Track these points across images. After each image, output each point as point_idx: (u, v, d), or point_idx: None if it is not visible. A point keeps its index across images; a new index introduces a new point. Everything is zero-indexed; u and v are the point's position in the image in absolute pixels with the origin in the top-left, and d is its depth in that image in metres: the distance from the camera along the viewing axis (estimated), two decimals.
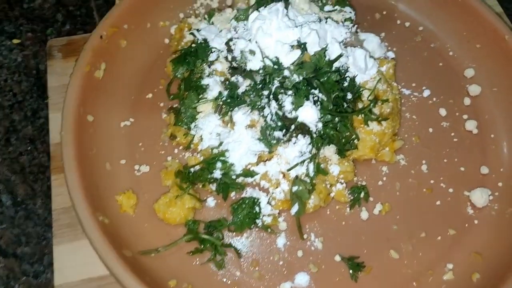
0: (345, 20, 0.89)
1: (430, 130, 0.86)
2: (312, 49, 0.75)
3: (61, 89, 0.87)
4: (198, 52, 0.81)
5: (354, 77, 0.79)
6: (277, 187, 0.75)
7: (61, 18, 1.05)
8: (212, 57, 0.81)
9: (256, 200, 0.75)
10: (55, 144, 0.83)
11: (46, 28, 1.03)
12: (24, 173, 0.87)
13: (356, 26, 0.91)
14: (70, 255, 0.75)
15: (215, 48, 0.81)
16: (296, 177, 0.73)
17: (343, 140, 0.77)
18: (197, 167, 0.76)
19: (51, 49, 0.94)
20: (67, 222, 0.78)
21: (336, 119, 0.74)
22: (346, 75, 0.78)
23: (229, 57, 0.77)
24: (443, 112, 0.88)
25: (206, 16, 0.89)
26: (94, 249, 0.69)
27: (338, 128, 0.76)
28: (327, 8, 0.89)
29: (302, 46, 0.74)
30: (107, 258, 0.67)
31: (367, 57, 0.81)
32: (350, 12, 0.90)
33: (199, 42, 0.82)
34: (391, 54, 0.94)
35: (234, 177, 0.74)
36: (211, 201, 0.78)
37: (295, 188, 0.73)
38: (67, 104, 0.78)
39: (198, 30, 0.84)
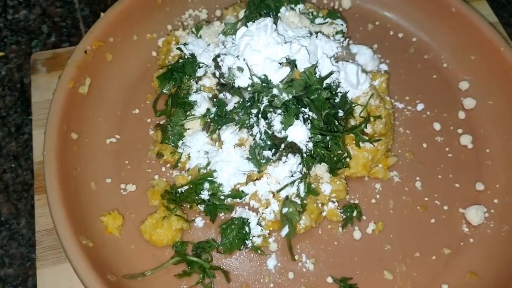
0: (337, 32, 0.87)
1: (424, 145, 0.84)
2: (302, 65, 0.73)
3: (45, 105, 0.85)
4: (185, 68, 0.79)
5: (346, 93, 0.77)
6: (267, 207, 0.73)
7: (46, 30, 1.03)
8: (199, 72, 0.79)
9: (245, 220, 0.73)
10: (38, 162, 0.81)
11: (31, 40, 1.01)
12: (8, 192, 0.85)
13: (347, 39, 0.89)
14: (54, 279, 0.72)
15: (203, 63, 0.79)
16: (286, 197, 0.71)
17: (335, 159, 0.75)
18: (185, 188, 0.73)
19: (35, 63, 0.91)
20: (51, 244, 0.75)
21: (327, 138, 0.72)
22: (338, 91, 0.76)
23: (217, 73, 0.75)
24: (437, 126, 0.86)
25: (193, 30, 0.87)
26: (76, 274, 0.66)
27: (329, 147, 0.74)
28: (318, 20, 0.87)
29: (291, 63, 0.72)
30: (89, 284, 0.65)
31: (359, 72, 0.79)
32: (342, 25, 0.89)
33: (186, 57, 0.80)
34: (384, 67, 0.92)
35: (222, 197, 0.72)
36: (199, 221, 0.76)
37: (285, 210, 0.71)
38: (50, 122, 0.76)
39: (185, 44, 0.82)
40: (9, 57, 0.99)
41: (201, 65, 0.79)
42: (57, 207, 0.69)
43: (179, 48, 0.82)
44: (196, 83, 0.78)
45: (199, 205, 0.74)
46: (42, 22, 1.04)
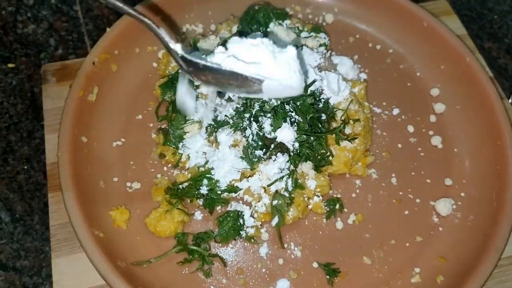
0: (320, 45, 0.97)
1: (399, 145, 0.94)
2: None
3: (56, 112, 0.93)
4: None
5: (328, 99, 0.86)
6: (259, 201, 0.82)
7: (53, 43, 1.11)
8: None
9: (240, 213, 0.82)
10: (51, 163, 0.89)
11: (39, 53, 1.09)
12: (21, 191, 0.92)
13: (330, 51, 0.99)
14: (68, 268, 0.80)
15: None
16: (276, 191, 0.80)
17: (319, 157, 0.84)
18: (185, 184, 0.82)
19: (45, 73, 0.99)
20: (64, 236, 0.83)
21: (312, 138, 0.81)
22: (321, 97, 0.86)
23: None
24: (411, 128, 0.96)
25: (191, 42, 0.96)
26: (90, 261, 0.74)
27: (313, 147, 0.83)
28: (303, 34, 0.96)
29: None
30: (102, 269, 0.73)
31: (340, 80, 0.89)
32: (325, 38, 0.98)
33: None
34: (363, 75, 1.01)
35: (219, 192, 0.81)
36: (198, 215, 0.85)
37: (275, 202, 0.79)
38: (63, 127, 0.84)
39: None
40: (19, 68, 1.07)
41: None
42: (72, 202, 0.78)
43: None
44: (195, 91, 0.87)
45: (198, 200, 0.83)
46: (50, 36, 1.12)
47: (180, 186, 0.82)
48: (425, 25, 1.02)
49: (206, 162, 0.82)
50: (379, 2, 1.05)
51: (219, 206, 0.83)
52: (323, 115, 0.84)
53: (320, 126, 0.82)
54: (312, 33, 0.96)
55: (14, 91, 1.04)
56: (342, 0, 1.08)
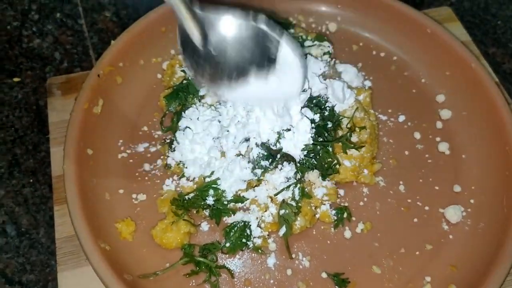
0: (324, 53, 0.97)
1: (406, 152, 0.93)
2: None
3: (61, 125, 0.93)
4: (189, 88, 0.88)
5: (333, 106, 0.85)
6: (266, 211, 0.81)
7: (59, 56, 1.11)
8: (202, 91, 0.88)
9: (246, 223, 0.81)
10: (56, 176, 0.89)
11: (44, 66, 1.10)
12: (27, 204, 0.92)
13: (334, 59, 0.98)
14: (74, 281, 0.79)
15: None
16: (283, 201, 0.79)
17: (326, 166, 0.84)
18: (191, 195, 0.81)
19: (50, 87, 1.00)
20: (70, 250, 0.82)
21: (318, 147, 0.80)
22: (326, 105, 0.85)
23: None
24: (417, 135, 0.95)
25: None
26: (97, 274, 0.74)
27: (320, 155, 0.82)
28: (307, 43, 0.96)
29: None
30: (109, 282, 0.72)
31: (344, 88, 0.88)
32: (328, 47, 0.98)
33: (190, 78, 0.89)
34: (368, 83, 1.01)
35: (225, 203, 0.80)
36: (205, 226, 0.84)
37: (282, 211, 0.79)
38: (68, 140, 0.84)
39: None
40: (25, 82, 1.07)
41: (203, 84, 0.88)
42: (78, 215, 0.77)
43: (183, 71, 0.91)
44: (199, 101, 0.87)
45: (204, 210, 0.82)
46: (55, 49, 1.12)
47: (186, 197, 0.81)
48: (428, 32, 1.01)
49: (212, 173, 0.81)
50: (382, 9, 1.05)
51: (226, 217, 0.82)
52: (328, 123, 0.83)
53: (326, 134, 0.82)
54: (316, 42, 0.96)
55: (19, 105, 1.04)
56: (345, 9, 1.08)
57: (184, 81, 0.90)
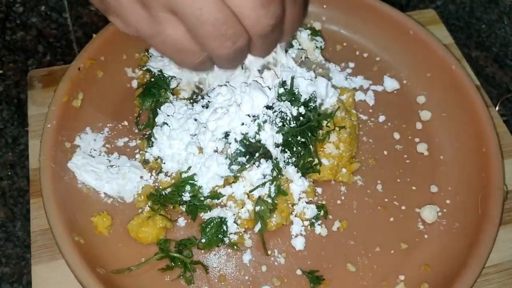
0: (316, 47, 0.97)
1: (385, 152, 0.93)
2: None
3: (41, 118, 0.93)
4: (159, 83, 0.88)
5: (320, 105, 0.85)
6: (242, 207, 0.81)
7: (42, 49, 1.11)
8: (173, 84, 0.88)
9: (223, 219, 0.81)
10: (34, 169, 0.88)
11: (27, 59, 1.09)
12: (4, 197, 0.92)
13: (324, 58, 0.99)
14: (48, 275, 0.79)
15: (173, 76, 0.87)
16: (259, 197, 0.79)
17: (306, 164, 0.84)
18: (168, 190, 0.81)
19: (31, 79, 0.99)
20: (45, 243, 0.82)
21: (299, 148, 0.81)
22: (311, 104, 0.85)
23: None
24: (397, 136, 0.95)
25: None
26: (69, 267, 0.73)
27: (301, 154, 0.82)
28: (303, 35, 0.96)
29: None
30: (81, 276, 0.72)
31: (328, 86, 0.88)
32: (321, 42, 0.99)
33: (156, 74, 0.89)
34: (352, 84, 1.01)
35: (202, 199, 0.80)
36: (181, 221, 0.84)
37: (257, 208, 0.79)
38: (46, 132, 0.84)
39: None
40: (6, 75, 1.07)
41: (171, 78, 0.88)
42: (52, 208, 0.77)
43: (147, 70, 0.91)
44: (173, 95, 0.87)
45: (181, 206, 0.82)
46: (38, 42, 1.12)
47: (163, 192, 0.81)
48: (411, 34, 1.02)
49: (189, 168, 0.81)
50: (366, 11, 1.06)
51: (202, 213, 0.82)
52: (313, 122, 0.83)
53: (309, 134, 0.82)
54: (309, 31, 0.97)
55: (0, 97, 1.03)
56: (330, 9, 1.08)
57: (152, 79, 0.90)
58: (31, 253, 0.81)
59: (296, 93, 0.83)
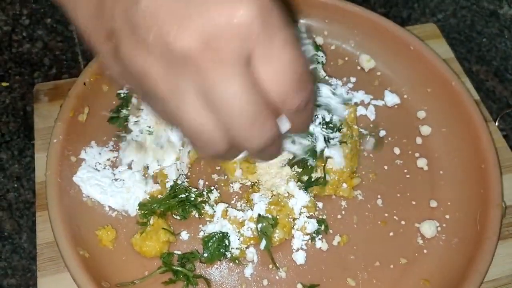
0: (318, 62, 0.99)
1: (385, 167, 0.95)
2: None
3: (47, 131, 0.94)
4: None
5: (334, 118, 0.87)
6: (242, 227, 0.83)
7: (48, 62, 1.13)
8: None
9: (225, 234, 0.82)
10: (40, 182, 0.90)
11: (33, 72, 1.11)
12: (11, 209, 0.93)
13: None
14: (53, 287, 0.80)
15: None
16: (259, 215, 0.81)
17: (311, 180, 0.85)
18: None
19: (38, 93, 1.01)
20: (51, 256, 0.83)
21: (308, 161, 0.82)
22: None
23: None
24: (397, 150, 0.97)
25: None
26: (74, 281, 0.75)
27: (308, 168, 0.84)
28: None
29: None
30: None
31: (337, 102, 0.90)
32: (322, 57, 1.00)
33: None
34: (353, 99, 1.03)
35: (192, 199, 0.83)
36: (184, 235, 0.85)
37: (260, 225, 0.80)
38: (52, 148, 0.85)
39: None
40: (13, 87, 1.09)
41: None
42: (58, 221, 0.78)
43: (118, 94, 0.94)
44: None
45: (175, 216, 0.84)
46: (44, 55, 1.14)
47: (155, 204, 0.82)
48: (412, 49, 1.03)
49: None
50: (368, 26, 1.07)
51: (204, 227, 0.83)
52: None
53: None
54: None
55: (6, 110, 1.05)
56: (332, 23, 1.10)
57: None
58: (37, 266, 0.83)
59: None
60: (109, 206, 0.87)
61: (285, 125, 0.55)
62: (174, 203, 0.83)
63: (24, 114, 1.05)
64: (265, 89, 0.50)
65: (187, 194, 0.83)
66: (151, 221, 0.82)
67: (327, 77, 1.00)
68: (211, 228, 0.83)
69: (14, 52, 1.14)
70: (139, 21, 0.47)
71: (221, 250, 0.81)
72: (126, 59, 0.49)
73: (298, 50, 0.50)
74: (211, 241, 0.82)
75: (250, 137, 0.52)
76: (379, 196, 0.91)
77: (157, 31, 0.46)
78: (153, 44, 0.46)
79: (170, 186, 0.84)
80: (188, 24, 0.45)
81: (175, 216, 0.85)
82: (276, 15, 0.47)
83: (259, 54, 0.47)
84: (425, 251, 0.86)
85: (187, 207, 0.83)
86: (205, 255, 0.81)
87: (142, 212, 0.82)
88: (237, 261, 0.82)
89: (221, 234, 0.82)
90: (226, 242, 0.82)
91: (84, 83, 0.93)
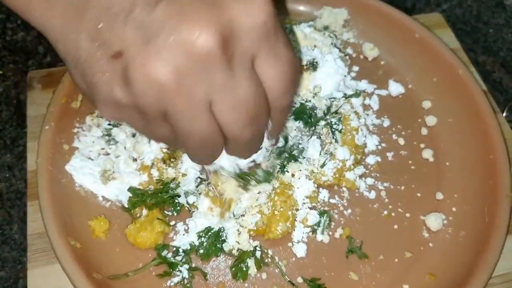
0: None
1: (390, 158, 0.91)
2: None
3: (40, 119, 0.91)
4: None
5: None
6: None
7: (42, 50, 1.10)
8: None
9: (221, 228, 0.79)
10: (31, 171, 0.87)
11: (27, 60, 1.08)
12: (2, 199, 0.90)
13: None
14: (43, 279, 0.77)
15: None
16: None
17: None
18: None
19: (31, 80, 0.98)
20: (42, 247, 0.80)
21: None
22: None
23: None
24: (401, 141, 0.93)
25: None
26: (64, 271, 0.72)
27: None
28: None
29: None
30: (77, 281, 0.70)
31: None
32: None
33: None
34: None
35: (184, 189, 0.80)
36: (180, 226, 0.82)
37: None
38: (44, 134, 0.82)
39: None
40: (6, 75, 1.06)
41: None
42: (48, 210, 0.75)
43: None
44: None
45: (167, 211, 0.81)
46: (39, 43, 1.11)
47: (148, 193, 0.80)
48: (417, 37, 1.00)
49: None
50: (371, 13, 1.04)
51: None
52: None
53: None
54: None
55: (0, 98, 1.02)
56: None
57: None
58: (27, 257, 0.80)
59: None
60: (102, 196, 0.84)
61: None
62: (165, 198, 0.79)
63: (18, 102, 1.02)
64: (266, 86, 0.53)
65: (174, 188, 0.79)
66: (144, 212, 0.79)
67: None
68: (207, 222, 0.79)
69: (8, 40, 1.11)
70: (155, 30, 0.46)
71: (217, 245, 0.78)
72: (137, 76, 0.47)
73: (293, 50, 0.53)
74: (206, 236, 0.78)
75: (246, 131, 0.55)
76: (383, 188, 0.88)
77: (176, 37, 0.46)
78: (171, 51, 0.46)
79: (157, 180, 0.80)
80: (209, 27, 0.46)
81: (167, 212, 0.81)
82: (277, 18, 0.50)
83: (265, 53, 0.50)
84: (430, 244, 0.83)
85: (177, 204, 0.80)
86: (201, 251, 0.78)
87: (131, 199, 0.79)
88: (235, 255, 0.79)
89: (216, 230, 0.78)
90: (223, 236, 0.78)
91: None
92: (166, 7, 0.46)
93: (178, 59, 0.46)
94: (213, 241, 0.77)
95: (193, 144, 0.55)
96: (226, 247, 0.79)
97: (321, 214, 0.83)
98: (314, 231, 0.82)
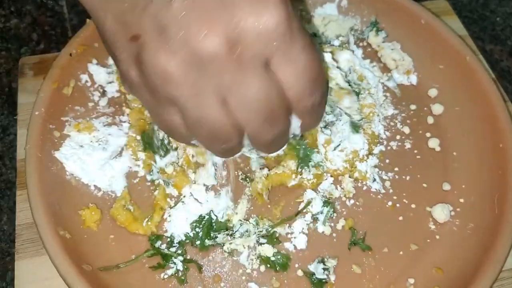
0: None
1: (394, 148, 0.88)
2: None
3: (31, 106, 0.87)
4: None
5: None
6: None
7: (36, 37, 1.07)
8: None
9: (211, 213, 0.76)
10: (21, 159, 0.83)
11: (20, 47, 1.05)
12: None
13: None
14: (31, 271, 0.74)
15: None
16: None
17: None
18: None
19: (23, 67, 0.95)
20: (31, 237, 0.77)
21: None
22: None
23: None
24: (407, 130, 0.90)
25: None
26: (52, 262, 0.68)
27: None
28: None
29: None
30: (65, 272, 0.67)
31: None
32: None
33: None
34: None
35: None
36: (175, 215, 0.78)
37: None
38: (33, 120, 0.79)
39: None
40: None
41: None
42: (36, 198, 0.72)
43: None
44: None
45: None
46: (33, 30, 1.08)
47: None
48: (422, 23, 0.96)
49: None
50: None
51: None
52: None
53: None
54: None
55: None
56: None
57: None
58: (15, 248, 0.76)
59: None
60: (94, 185, 0.80)
61: (296, 123, 0.60)
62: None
63: (9, 90, 0.99)
64: (283, 88, 0.54)
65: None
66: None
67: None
68: (201, 208, 0.76)
69: (0, 27, 1.08)
70: (168, 23, 0.49)
71: (211, 234, 0.75)
72: (149, 61, 0.51)
73: (315, 54, 0.54)
74: (199, 226, 0.75)
75: (265, 131, 0.57)
76: (387, 178, 0.84)
77: (185, 33, 0.48)
78: (180, 45, 0.49)
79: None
80: (216, 28, 0.48)
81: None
82: (296, 20, 0.51)
83: (279, 56, 0.51)
84: (437, 237, 0.79)
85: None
86: (198, 242, 0.75)
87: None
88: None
89: (210, 217, 0.75)
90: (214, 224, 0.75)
91: (70, 54, 0.86)
92: (181, 3, 0.48)
93: (184, 54, 0.49)
94: (207, 230, 0.74)
95: (204, 132, 0.57)
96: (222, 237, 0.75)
97: (325, 204, 0.79)
98: (315, 219, 0.78)
